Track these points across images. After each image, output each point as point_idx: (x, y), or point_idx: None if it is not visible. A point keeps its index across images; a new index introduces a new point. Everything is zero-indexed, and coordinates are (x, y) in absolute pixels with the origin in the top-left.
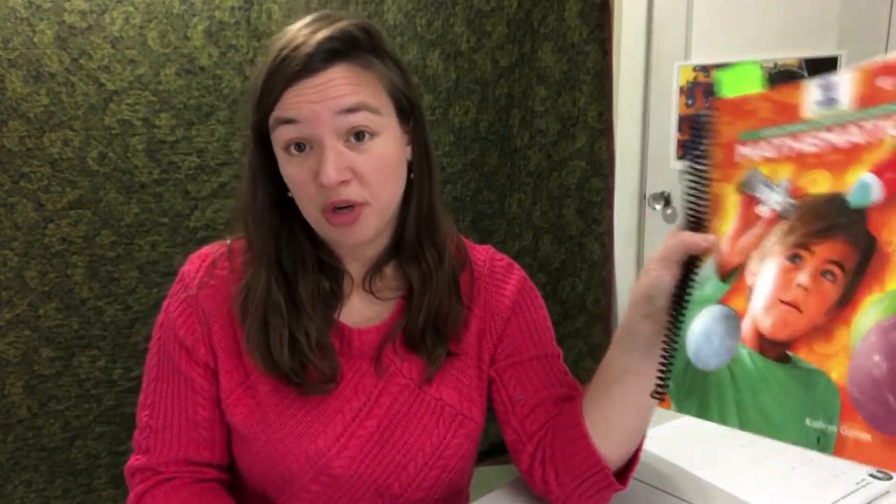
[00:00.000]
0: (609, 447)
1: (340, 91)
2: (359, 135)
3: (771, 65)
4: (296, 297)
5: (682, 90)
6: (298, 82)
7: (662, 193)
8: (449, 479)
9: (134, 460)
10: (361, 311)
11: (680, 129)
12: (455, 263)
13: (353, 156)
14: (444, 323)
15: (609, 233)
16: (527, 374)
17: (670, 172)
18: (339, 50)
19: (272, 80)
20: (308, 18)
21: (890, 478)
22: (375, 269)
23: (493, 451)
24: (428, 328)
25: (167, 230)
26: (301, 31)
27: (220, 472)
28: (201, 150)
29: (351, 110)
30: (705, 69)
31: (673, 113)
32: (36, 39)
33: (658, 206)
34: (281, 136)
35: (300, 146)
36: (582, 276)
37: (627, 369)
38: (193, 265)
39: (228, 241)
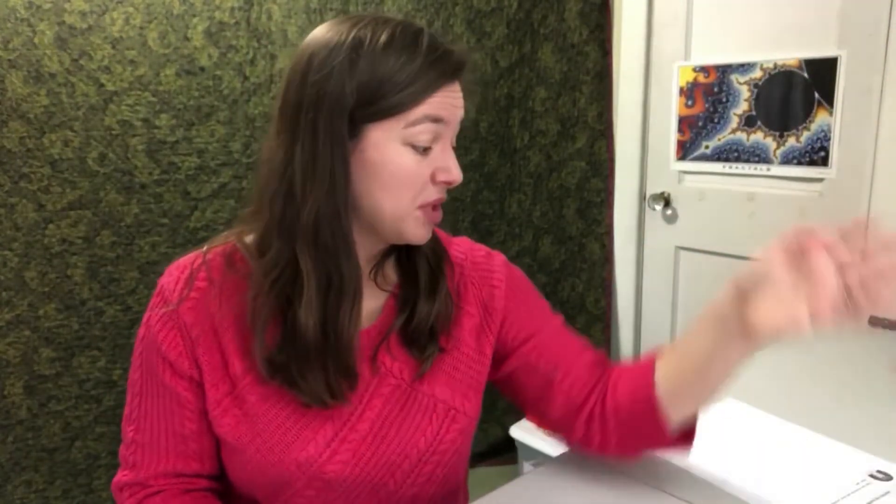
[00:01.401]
0: (677, 416)
1: (463, 103)
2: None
3: (771, 65)
4: (354, 308)
5: (682, 90)
6: (451, 83)
7: (662, 194)
8: (444, 475)
9: (121, 475)
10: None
11: (680, 130)
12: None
13: None
14: (438, 320)
15: (609, 233)
16: (550, 350)
17: (670, 173)
18: (463, 67)
19: (429, 78)
20: (415, 27)
21: (890, 478)
22: (382, 262)
23: (492, 451)
24: (428, 327)
25: (167, 231)
26: (434, 39)
27: (209, 482)
28: (201, 151)
29: (460, 121)
30: (705, 69)
31: (673, 113)
32: (36, 40)
33: (658, 207)
34: (424, 132)
35: (423, 145)
36: (582, 276)
37: (715, 355)
38: (172, 277)
39: (204, 250)
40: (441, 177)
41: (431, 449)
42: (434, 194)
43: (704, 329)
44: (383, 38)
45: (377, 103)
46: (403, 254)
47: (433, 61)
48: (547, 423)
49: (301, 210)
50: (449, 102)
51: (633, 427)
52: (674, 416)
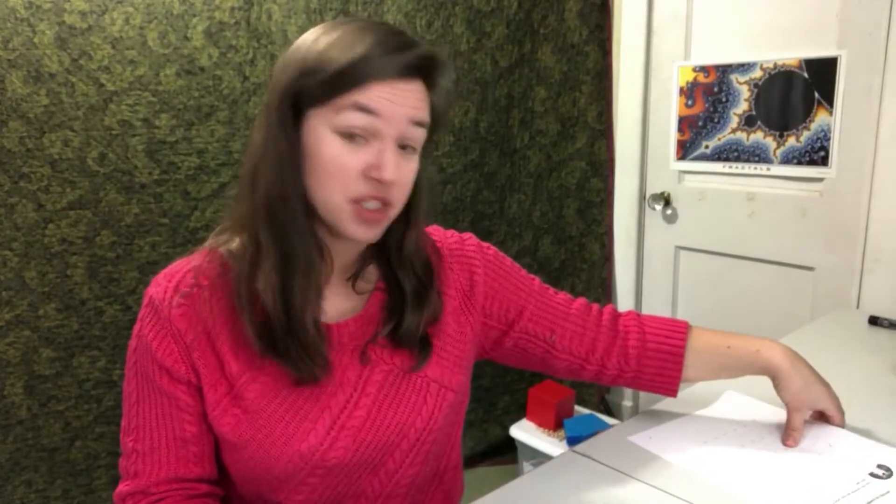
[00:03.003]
0: (689, 375)
1: (416, 104)
2: (404, 146)
3: (771, 65)
4: (306, 284)
5: (681, 90)
6: (390, 80)
7: (662, 193)
8: (439, 452)
9: (123, 486)
10: (337, 305)
11: (680, 130)
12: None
13: (400, 162)
14: (429, 322)
15: (609, 233)
16: (543, 316)
17: (670, 173)
18: (426, 68)
19: (361, 67)
20: (390, 29)
21: (890, 475)
22: (360, 269)
23: (492, 451)
24: (418, 332)
25: (167, 231)
26: (388, 35)
27: (210, 487)
28: (201, 151)
29: (418, 123)
30: (705, 69)
31: (673, 113)
32: (36, 40)
33: (658, 207)
34: (347, 120)
35: (353, 135)
36: (582, 276)
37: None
38: (160, 287)
39: (192, 257)
40: (372, 172)
41: (428, 427)
42: (362, 189)
43: (743, 360)
44: (342, 30)
45: (312, 86)
46: (385, 264)
47: (381, 53)
48: (556, 374)
49: (260, 192)
50: (388, 98)
51: (652, 367)
52: (686, 375)
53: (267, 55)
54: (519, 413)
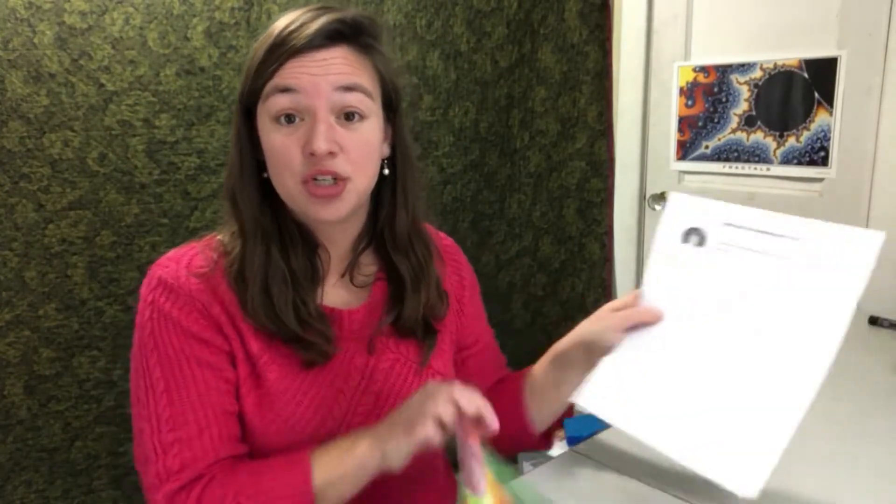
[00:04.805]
0: (539, 418)
1: (341, 69)
2: (349, 115)
3: (771, 65)
4: (291, 270)
5: (682, 90)
6: (302, 55)
7: (662, 194)
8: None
9: (171, 485)
10: (341, 294)
11: (680, 130)
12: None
13: (343, 132)
14: (433, 313)
15: (609, 233)
16: (481, 364)
17: (670, 173)
18: (344, 32)
19: (275, 51)
20: (312, 6)
21: (702, 242)
22: (354, 259)
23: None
24: (420, 319)
25: (167, 231)
26: (306, 13)
27: None
28: (201, 151)
29: (349, 88)
30: (705, 69)
31: (673, 113)
32: (36, 40)
33: (658, 207)
34: (274, 105)
35: (290, 117)
36: (582, 276)
37: (562, 380)
38: (170, 267)
39: (197, 243)
40: (305, 148)
41: None
42: (307, 169)
43: (549, 365)
44: (272, 25)
45: (248, 84)
46: (383, 250)
47: (292, 31)
48: None
49: (228, 184)
50: (304, 71)
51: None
52: (537, 419)
53: None
54: None
